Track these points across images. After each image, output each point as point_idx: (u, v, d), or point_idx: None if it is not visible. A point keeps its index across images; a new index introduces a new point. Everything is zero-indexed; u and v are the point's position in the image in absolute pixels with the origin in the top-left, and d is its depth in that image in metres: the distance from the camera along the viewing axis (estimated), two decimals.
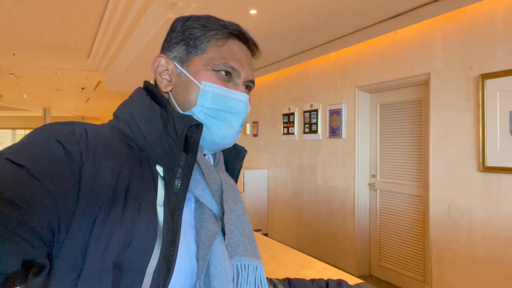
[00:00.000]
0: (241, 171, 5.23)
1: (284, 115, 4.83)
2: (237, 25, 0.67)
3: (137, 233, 0.50)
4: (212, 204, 0.61)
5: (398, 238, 3.45)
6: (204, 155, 0.70)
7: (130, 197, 0.51)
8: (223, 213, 0.61)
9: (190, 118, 0.58)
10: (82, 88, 8.59)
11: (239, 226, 0.62)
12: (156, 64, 0.67)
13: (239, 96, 0.66)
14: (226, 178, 0.66)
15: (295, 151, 4.67)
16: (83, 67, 6.27)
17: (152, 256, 0.50)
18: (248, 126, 5.84)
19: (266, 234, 5.37)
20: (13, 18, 3.53)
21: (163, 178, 0.57)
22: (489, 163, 2.52)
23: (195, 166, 0.62)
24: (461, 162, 2.72)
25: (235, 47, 0.66)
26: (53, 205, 0.44)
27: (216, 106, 0.64)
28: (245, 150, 0.77)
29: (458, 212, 2.73)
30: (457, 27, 2.76)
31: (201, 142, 0.65)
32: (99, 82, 7.75)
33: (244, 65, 0.66)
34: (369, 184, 3.77)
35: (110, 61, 5.38)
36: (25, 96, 9.94)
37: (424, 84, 3.12)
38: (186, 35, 0.66)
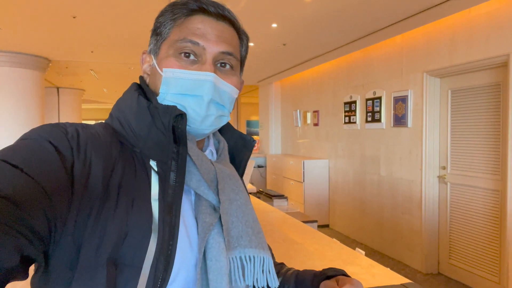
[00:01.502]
0: (302, 162, 5.19)
1: (345, 103, 4.67)
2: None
3: (131, 229, 0.50)
4: (209, 195, 0.60)
5: (471, 235, 3.18)
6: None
7: (123, 194, 0.52)
8: (220, 203, 0.60)
9: (173, 108, 0.57)
10: None
11: (240, 217, 0.60)
12: (142, 61, 0.69)
13: (200, 76, 0.60)
14: (223, 167, 0.64)
15: (357, 140, 4.50)
16: None
17: (148, 250, 0.50)
18: (308, 115, 5.75)
19: (327, 225, 5.29)
20: (90, 17, 3.85)
21: (157, 172, 0.56)
22: None
23: (188, 158, 0.60)
24: None
25: (196, 21, 0.62)
26: (49, 203, 0.45)
27: (178, 91, 0.60)
28: (254, 140, 0.74)
29: None
30: None
31: None
32: None
33: (208, 37, 0.61)
34: (439, 176, 3.51)
35: None
36: (105, 90, 10.83)
37: (503, 66, 2.80)
38: (155, 25, 0.65)
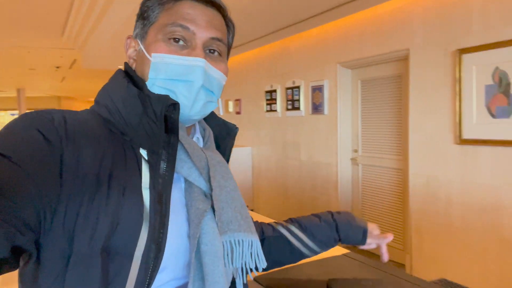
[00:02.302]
0: None
1: (266, 92, 4.83)
2: None
3: (123, 218, 0.50)
4: (200, 182, 0.61)
5: (380, 210, 3.59)
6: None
7: (114, 182, 0.51)
8: (212, 190, 0.61)
9: (166, 97, 0.57)
10: (57, 67, 8.30)
11: (230, 202, 0.61)
12: (126, 46, 0.67)
13: (191, 61, 0.60)
14: (213, 155, 0.65)
15: (279, 128, 4.71)
16: (57, 45, 6.05)
17: (139, 239, 0.51)
18: (230, 104, 5.82)
19: (251, 210, 5.46)
20: None
21: (148, 161, 0.56)
22: (466, 135, 2.62)
23: (179, 146, 0.61)
24: (439, 135, 2.81)
25: (186, 6, 0.61)
26: (37, 192, 0.45)
27: (167, 76, 0.60)
28: (236, 128, 0.75)
29: (436, 183, 2.84)
30: (436, 2, 2.78)
31: None
32: (75, 60, 7.50)
33: (198, 22, 0.61)
34: (352, 159, 3.86)
35: (86, 39, 5.20)
36: None
37: (404, 59, 3.17)
38: (142, 9, 0.65)
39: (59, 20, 4.73)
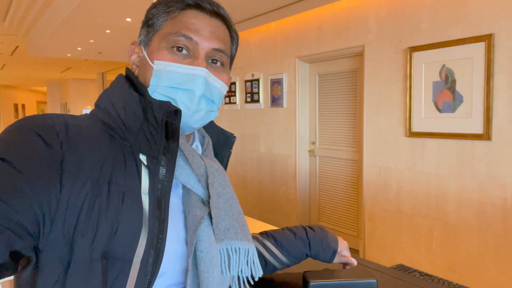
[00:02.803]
0: None
1: None
2: None
3: (122, 223, 0.50)
4: (198, 189, 0.62)
5: (336, 199, 3.74)
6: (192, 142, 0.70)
7: (114, 187, 0.52)
8: (210, 197, 0.62)
9: (168, 104, 0.58)
10: None
11: (227, 210, 0.62)
12: (130, 51, 0.67)
13: (192, 70, 0.60)
14: (212, 162, 0.66)
15: (238, 120, 4.73)
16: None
17: (138, 244, 0.51)
18: None
19: None
20: None
21: (147, 166, 0.56)
22: (415, 129, 2.80)
23: (178, 153, 0.61)
24: (391, 128, 2.98)
25: (191, 16, 0.62)
26: (37, 197, 0.45)
27: (169, 84, 0.60)
28: (234, 137, 0.76)
29: (388, 173, 3.02)
30: (389, 1, 2.93)
31: None
32: (17, 47, 6.99)
33: (202, 33, 0.62)
34: (309, 151, 3.98)
35: (32, 25, 4.86)
36: None
37: (359, 55, 3.31)
38: (147, 17, 0.65)
39: (1, 4, 4.38)
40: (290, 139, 3.99)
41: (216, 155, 0.75)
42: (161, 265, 0.53)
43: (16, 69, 10.20)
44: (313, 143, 3.94)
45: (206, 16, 0.64)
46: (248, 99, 4.45)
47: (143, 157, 0.57)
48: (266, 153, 4.34)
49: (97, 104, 0.63)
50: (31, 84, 14.99)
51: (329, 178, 3.81)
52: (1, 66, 9.59)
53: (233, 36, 0.71)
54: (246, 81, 4.46)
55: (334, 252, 0.89)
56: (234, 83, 4.65)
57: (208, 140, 0.73)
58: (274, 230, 0.91)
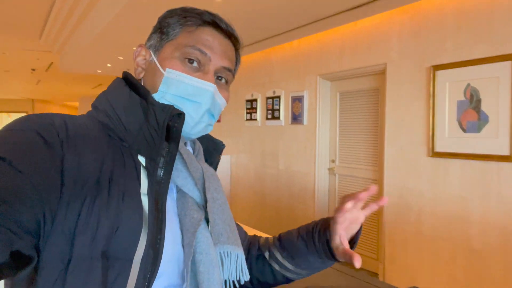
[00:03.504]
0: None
1: (247, 101, 4.87)
2: (214, 14, 0.67)
3: (123, 222, 0.51)
4: (194, 193, 0.62)
5: None
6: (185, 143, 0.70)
7: (114, 187, 0.52)
8: (206, 202, 0.62)
9: (171, 107, 0.59)
10: (33, 70, 8.09)
11: (220, 215, 0.63)
12: (136, 53, 0.68)
13: (203, 85, 0.63)
14: (208, 167, 0.67)
15: (258, 137, 4.74)
16: (34, 47, 5.91)
17: (139, 244, 0.51)
18: None
19: None
20: None
21: (146, 168, 0.57)
22: (438, 148, 2.72)
23: (177, 156, 0.62)
24: (413, 148, 2.91)
25: (207, 33, 0.65)
26: (37, 196, 0.45)
27: (178, 93, 0.62)
28: (223, 144, 0.77)
29: (409, 194, 2.93)
30: (412, 20, 2.91)
31: None
32: (52, 63, 7.34)
33: (215, 50, 0.64)
34: (329, 169, 3.93)
35: (65, 42, 5.11)
36: None
37: (381, 73, 3.28)
38: (162, 24, 0.66)
39: (38, 23, 4.64)
40: (310, 156, 3.96)
41: (206, 160, 0.75)
42: (160, 266, 0.53)
43: (51, 84, 10.68)
44: (333, 161, 3.88)
45: (221, 36, 0.67)
46: (269, 116, 4.47)
47: (141, 159, 0.58)
48: (285, 170, 4.31)
49: (95, 106, 0.64)
50: (64, 99, 15.63)
51: None
52: (36, 81, 10.07)
53: (238, 59, 0.74)
54: (267, 98, 4.49)
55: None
56: (255, 100, 4.69)
57: (199, 146, 0.74)
58: (286, 239, 0.81)
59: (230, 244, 0.62)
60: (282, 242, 0.79)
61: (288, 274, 0.77)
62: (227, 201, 0.68)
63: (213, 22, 0.66)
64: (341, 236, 0.68)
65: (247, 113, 4.88)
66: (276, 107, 4.35)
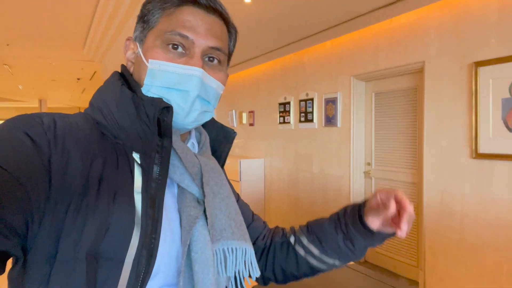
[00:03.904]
0: (238, 161, 5.26)
1: (280, 104, 4.84)
2: None
3: (113, 222, 0.49)
4: (192, 188, 0.60)
5: None
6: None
7: (104, 186, 0.50)
8: (204, 196, 0.60)
9: (159, 101, 0.56)
10: (78, 79, 8.54)
11: (223, 209, 0.60)
12: (125, 48, 0.66)
13: (187, 70, 0.58)
14: (207, 161, 0.64)
15: (291, 140, 4.70)
16: (78, 57, 6.23)
17: (130, 244, 0.49)
18: (244, 115, 5.85)
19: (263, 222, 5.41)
20: (6, 7, 3.51)
21: (140, 165, 0.55)
22: (482, 149, 2.55)
23: (172, 151, 0.60)
24: (454, 149, 2.75)
25: (187, 13, 0.59)
26: (25, 196, 0.44)
27: (163, 84, 0.58)
28: (234, 132, 0.74)
29: (451, 198, 2.77)
30: (451, 14, 2.76)
31: None
32: (95, 72, 7.71)
33: (198, 30, 0.59)
34: (364, 172, 3.81)
35: (106, 51, 5.35)
36: (20, 87, 9.88)
37: (419, 72, 3.14)
38: (143, 12, 0.63)
39: (81, 33, 4.89)
40: (344, 159, 3.86)
41: (215, 151, 0.72)
42: (155, 266, 0.51)
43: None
44: (369, 164, 3.76)
45: (202, 12, 0.61)
46: (302, 119, 4.41)
47: (136, 155, 0.56)
48: (319, 174, 4.23)
49: (91, 103, 0.62)
50: None
51: None
52: (82, 90, 10.63)
53: (231, 32, 0.67)
54: (300, 101, 4.44)
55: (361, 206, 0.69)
56: (288, 103, 4.65)
57: (206, 137, 0.71)
58: (316, 225, 0.77)
59: (236, 240, 0.59)
60: (310, 226, 0.76)
61: (313, 262, 0.72)
62: (232, 194, 0.65)
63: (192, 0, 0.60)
64: (381, 199, 0.65)
65: (280, 116, 4.85)
66: (309, 109, 4.29)
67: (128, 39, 0.66)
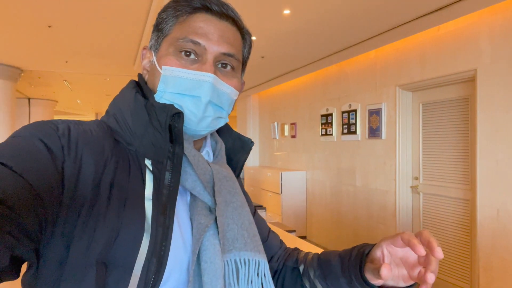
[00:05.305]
0: (279, 173, 5.22)
1: (322, 116, 4.77)
2: None
3: (123, 229, 0.49)
4: (204, 196, 0.59)
5: (443, 243, 3.27)
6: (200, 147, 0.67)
7: (115, 193, 0.51)
8: (216, 205, 0.58)
9: (170, 107, 0.56)
10: None
11: (236, 219, 0.59)
12: (142, 57, 0.67)
13: (199, 76, 0.58)
14: (220, 169, 0.63)
15: (334, 152, 4.59)
16: (130, 73, 6.58)
17: (140, 251, 0.49)
18: (286, 127, 5.82)
19: (304, 237, 5.31)
20: (65, 28, 3.79)
21: (152, 171, 0.55)
22: None
23: (184, 158, 0.59)
24: (511, 162, 2.53)
25: (199, 20, 0.60)
26: (39, 202, 0.44)
27: (176, 90, 0.59)
28: (252, 142, 0.72)
29: (508, 216, 2.54)
30: (504, 19, 2.58)
31: None
32: None
33: (210, 37, 0.59)
34: (412, 186, 3.61)
35: None
36: (79, 102, 10.60)
37: (470, 80, 2.95)
38: (158, 21, 0.64)
39: (131, 50, 5.17)
40: (390, 173, 3.69)
41: (231, 160, 0.71)
42: (165, 274, 0.50)
43: None
44: (416, 178, 3.56)
45: (215, 19, 0.61)
46: (345, 131, 4.31)
47: (148, 162, 0.56)
48: (362, 187, 4.08)
49: (107, 110, 0.63)
50: None
51: (435, 218, 3.37)
52: None
53: (245, 38, 0.67)
54: (343, 112, 4.34)
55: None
56: (330, 114, 4.57)
57: (221, 145, 0.70)
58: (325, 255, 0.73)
59: (249, 251, 0.57)
60: (320, 259, 0.71)
61: None
62: (246, 204, 0.63)
63: (204, 6, 0.60)
64: (383, 252, 0.58)
65: (322, 128, 4.77)
66: (352, 121, 4.18)
67: (144, 48, 0.68)
